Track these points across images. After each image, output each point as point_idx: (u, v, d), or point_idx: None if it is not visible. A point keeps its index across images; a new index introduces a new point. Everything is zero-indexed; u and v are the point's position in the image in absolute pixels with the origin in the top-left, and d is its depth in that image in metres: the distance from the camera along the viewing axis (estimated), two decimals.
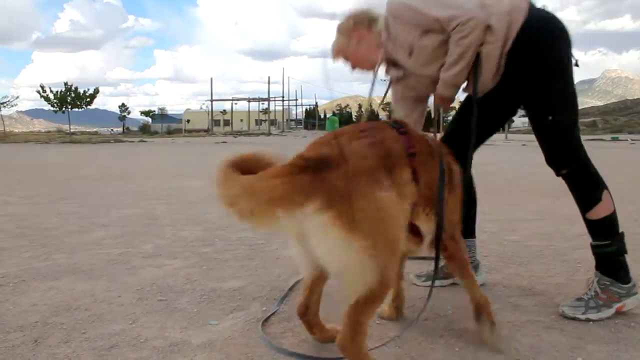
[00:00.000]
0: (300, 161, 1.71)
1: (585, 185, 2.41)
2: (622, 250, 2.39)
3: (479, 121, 2.38)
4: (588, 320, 2.31)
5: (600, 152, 19.96)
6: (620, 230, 2.41)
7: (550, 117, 2.34)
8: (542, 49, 2.32)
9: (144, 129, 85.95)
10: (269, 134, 53.45)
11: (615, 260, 2.38)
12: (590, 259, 3.34)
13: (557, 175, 2.45)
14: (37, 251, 3.61)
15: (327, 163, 1.68)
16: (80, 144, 28.04)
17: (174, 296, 2.68)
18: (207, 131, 62.37)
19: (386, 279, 1.71)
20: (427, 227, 2.03)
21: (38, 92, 52.96)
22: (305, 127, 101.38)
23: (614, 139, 36.22)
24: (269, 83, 69.53)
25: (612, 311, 2.34)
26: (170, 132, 70.09)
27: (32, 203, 5.96)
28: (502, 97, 2.52)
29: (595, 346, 2.07)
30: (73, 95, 53.88)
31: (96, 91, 56.72)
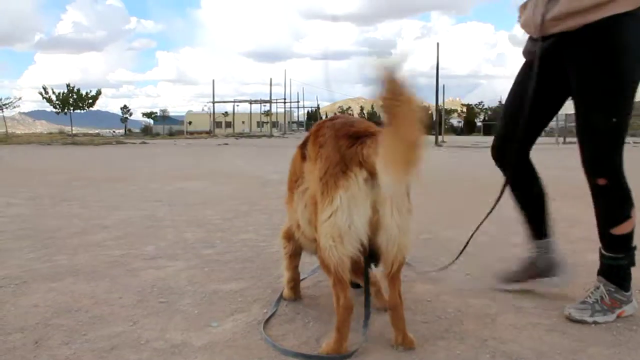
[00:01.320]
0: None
1: (620, 200, 2.37)
2: (633, 263, 2.42)
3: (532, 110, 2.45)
4: (595, 323, 2.32)
5: None
6: (634, 244, 2.42)
7: (614, 119, 2.25)
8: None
9: (146, 131, 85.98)
10: (271, 135, 53.48)
11: (625, 271, 2.41)
12: (590, 263, 3.34)
13: (592, 184, 2.39)
14: (39, 252, 3.61)
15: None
16: (82, 146, 28.08)
17: (175, 298, 2.68)
18: (209, 133, 62.39)
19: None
20: None
21: (40, 93, 53.15)
22: (307, 129, 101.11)
23: None
24: (270, 85, 69.55)
25: (614, 316, 2.36)
26: (171, 134, 70.13)
27: (34, 204, 5.97)
28: (557, 81, 2.46)
29: (597, 349, 2.07)
30: (75, 96, 54.03)
31: (98, 93, 56.89)
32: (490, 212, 2.73)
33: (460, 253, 2.85)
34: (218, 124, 75.48)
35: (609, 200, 2.38)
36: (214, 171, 10.87)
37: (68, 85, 54.49)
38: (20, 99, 58.27)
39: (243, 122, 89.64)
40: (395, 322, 2.06)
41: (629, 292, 2.41)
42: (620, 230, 2.37)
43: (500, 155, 2.70)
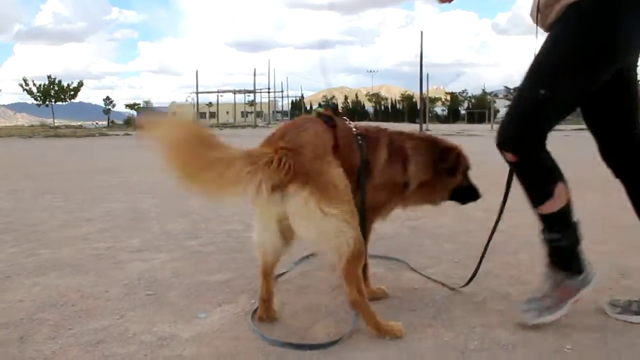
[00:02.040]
0: (277, 150, 2.00)
1: (536, 177, 2.18)
2: (576, 242, 2.19)
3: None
4: (542, 323, 2.13)
5: (588, 141, 20.12)
6: (574, 220, 2.21)
7: (542, 92, 2.04)
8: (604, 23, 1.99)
9: (129, 122, 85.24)
10: (255, 126, 53.29)
11: (569, 253, 2.20)
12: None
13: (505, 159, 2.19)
14: (22, 246, 3.56)
15: (293, 151, 2.00)
16: (65, 138, 27.74)
17: (161, 290, 2.66)
18: None
19: (360, 237, 2.05)
20: None
21: (21, 85, 52.35)
22: (292, 119, 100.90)
23: None
24: (254, 75, 69.18)
25: (566, 308, 2.16)
26: None
27: (16, 198, 5.89)
28: None
29: (582, 334, 2.09)
30: (57, 88, 53.32)
31: (80, 84, 56.17)
32: (501, 214, 2.57)
33: (480, 262, 2.64)
34: (202, 115, 75.03)
35: (524, 178, 2.20)
36: None
37: (49, 77, 53.75)
38: (0, 91, 57.30)
39: (227, 113, 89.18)
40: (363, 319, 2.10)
41: (583, 274, 2.19)
42: (546, 208, 2.16)
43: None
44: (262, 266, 2.25)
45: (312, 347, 1.99)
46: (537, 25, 2.24)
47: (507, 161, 2.18)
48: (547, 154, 2.16)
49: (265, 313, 2.25)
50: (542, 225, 2.21)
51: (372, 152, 2.34)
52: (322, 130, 2.19)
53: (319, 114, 2.30)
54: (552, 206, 2.15)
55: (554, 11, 2.12)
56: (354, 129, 2.34)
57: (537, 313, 2.14)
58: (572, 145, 15.79)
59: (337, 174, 2.04)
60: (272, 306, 2.28)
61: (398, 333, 2.07)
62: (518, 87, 2.19)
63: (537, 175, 2.18)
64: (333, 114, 2.32)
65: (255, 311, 2.31)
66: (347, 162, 2.17)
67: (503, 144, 2.15)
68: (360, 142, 2.30)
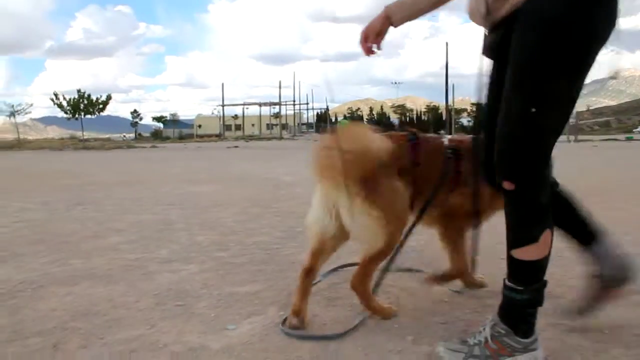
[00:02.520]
0: None
1: (527, 214, 1.91)
2: (536, 303, 1.94)
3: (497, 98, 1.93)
4: None
5: (616, 152, 19.80)
6: (544, 279, 1.96)
7: (533, 110, 1.78)
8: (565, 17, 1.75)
9: (156, 135, 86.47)
10: (281, 138, 53.55)
11: (522, 311, 1.93)
12: None
13: (498, 189, 1.98)
14: (54, 256, 3.63)
15: None
16: (94, 150, 28.26)
17: (191, 301, 2.68)
18: (219, 136, 62.62)
19: (391, 243, 2.33)
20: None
21: (51, 99, 53.57)
22: (317, 131, 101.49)
23: (628, 139, 35.92)
24: (280, 87, 69.69)
25: None
26: (182, 138, 70.48)
27: (49, 209, 6.00)
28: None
29: (619, 350, 2.04)
30: (86, 102, 54.43)
31: (108, 98, 57.26)
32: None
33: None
34: (228, 127, 75.76)
35: (515, 212, 1.93)
36: (225, 174, 10.89)
37: (79, 91, 54.90)
38: (31, 105, 58.77)
39: (253, 125, 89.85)
40: None
41: (528, 339, 1.91)
42: (523, 254, 1.90)
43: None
44: (309, 250, 2.45)
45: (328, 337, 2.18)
46: (486, 17, 1.94)
47: (503, 189, 1.92)
48: (548, 190, 1.93)
49: (296, 312, 2.32)
50: (509, 269, 1.96)
51: (469, 161, 2.48)
52: (398, 147, 2.37)
53: (407, 132, 2.54)
54: (531, 253, 1.89)
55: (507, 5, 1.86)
56: (446, 143, 2.52)
57: (463, 356, 1.94)
58: (600, 156, 15.53)
59: (391, 186, 2.30)
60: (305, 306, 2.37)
61: (388, 313, 2.41)
62: (504, 102, 1.89)
63: (529, 211, 1.90)
64: (418, 132, 2.55)
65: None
66: (432, 176, 2.43)
67: (502, 172, 1.91)
68: (449, 155, 2.47)
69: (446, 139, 2.57)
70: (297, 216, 5.14)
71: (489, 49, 2.03)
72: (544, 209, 1.90)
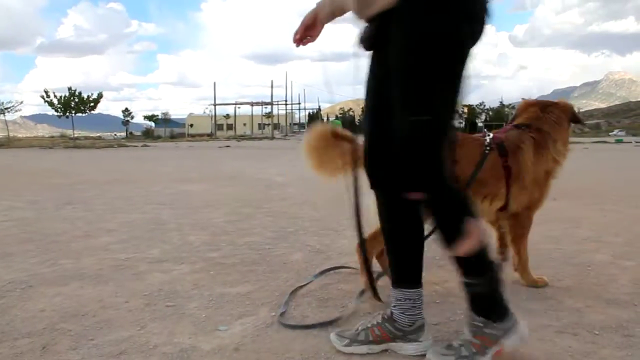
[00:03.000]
0: None
1: (446, 216, 1.92)
2: (495, 287, 1.93)
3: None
4: None
5: (606, 154, 19.93)
6: (491, 263, 1.95)
7: (422, 117, 1.78)
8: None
9: (147, 134, 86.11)
10: (272, 137, 53.50)
11: (489, 299, 1.93)
12: (599, 263, 3.34)
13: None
14: (44, 256, 3.60)
15: None
16: (84, 149, 28.10)
17: (182, 301, 2.66)
18: (210, 135, 62.48)
19: None
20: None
21: (42, 97, 53.21)
22: None
23: (618, 142, 36.19)
24: (272, 87, 69.67)
25: (487, 358, 1.91)
26: (173, 137, 70.27)
27: (38, 208, 5.96)
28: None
29: (609, 351, 2.05)
30: (77, 100, 54.11)
31: (100, 96, 56.94)
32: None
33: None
34: (219, 127, 75.60)
35: (434, 216, 1.94)
36: (217, 173, 10.86)
37: (69, 89, 54.56)
38: (21, 102, 58.31)
39: (244, 124, 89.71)
40: None
41: (506, 322, 1.92)
42: (460, 250, 1.89)
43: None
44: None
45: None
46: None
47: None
48: (453, 185, 1.94)
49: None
50: (458, 268, 1.94)
51: (513, 155, 2.71)
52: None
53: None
54: (466, 247, 1.86)
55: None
56: (487, 140, 2.72)
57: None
58: (590, 158, 15.64)
59: None
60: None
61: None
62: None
63: (445, 213, 1.92)
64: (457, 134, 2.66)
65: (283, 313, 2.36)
66: (470, 172, 2.61)
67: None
68: (486, 152, 2.67)
69: (489, 136, 2.76)
70: (288, 216, 5.14)
71: (366, 40, 1.96)
72: (457, 203, 1.92)
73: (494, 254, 1.98)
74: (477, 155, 2.69)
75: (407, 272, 2.05)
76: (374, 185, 2.08)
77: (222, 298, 2.72)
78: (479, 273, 1.91)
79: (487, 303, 1.93)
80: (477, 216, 1.92)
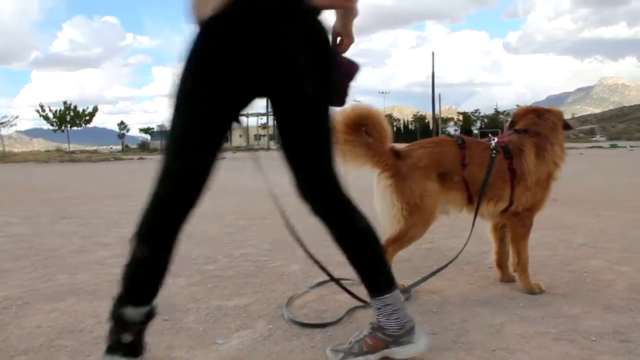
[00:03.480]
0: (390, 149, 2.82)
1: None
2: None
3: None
4: None
5: (600, 159, 20.02)
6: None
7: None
8: None
9: (143, 147, 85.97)
10: (269, 148, 53.48)
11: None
12: (595, 269, 3.35)
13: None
14: (40, 272, 3.58)
15: (400, 155, 2.80)
16: (80, 163, 28.05)
17: (179, 315, 2.66)
18: None
19: (409, 234, 2.78)
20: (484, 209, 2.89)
21: (37, 111, 53.11)
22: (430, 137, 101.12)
23: (612, 146, 36.34)
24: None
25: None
26: None
27: (33, 223, 5.94)
28: None
29: (606, 357, 2.05)
30: (72, 113, 54.02)
31: (95, 109, 56.86)
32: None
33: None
34: None
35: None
36: (212, 186, 10.82)
37: (65, 103, 54.51)
38: (17, 117, 58.29)
39: (240, 136, 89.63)
40: None
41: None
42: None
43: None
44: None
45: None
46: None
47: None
48: None
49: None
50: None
51: (517, 158, 2.84)
52: (439, 150, 2.85)
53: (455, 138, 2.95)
54: None
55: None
56: (492, 144, 2.88)
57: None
58: (585, 163, 15.68)
59: (421, 183, 2.74)
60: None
61: None
62: None
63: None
64: (465, 137, 2.93)
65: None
66: (479, 174, 2.79)
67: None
68: (493, 155, 2.82)
69: (494, 140, 2.94)
70: (284, 228, 5.13)
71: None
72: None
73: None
74: (485, 158, 2.83)
75: (374, 279, 2.05)
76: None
77: (219, 311, 2.71)
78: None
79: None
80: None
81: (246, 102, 1.92)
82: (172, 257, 1.97)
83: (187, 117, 1.81)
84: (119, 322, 1.92)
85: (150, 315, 1.96)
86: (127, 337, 1.91)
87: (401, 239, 2.80)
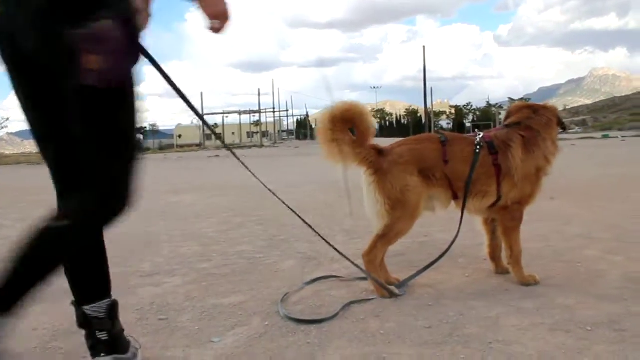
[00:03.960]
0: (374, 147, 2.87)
1: None
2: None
3: None
4: None
5: (593, 150, 20.08)
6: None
7: None
8: None
9: None
10: (262, 145, 53.44)
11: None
12: (589, 259, 3.36)
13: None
14: None
15: (383, 153, 2.86)
16: None
17: (174, 314, 2.65)
18: (199, 145, 62.27)
19: (395, 229, 2.81)
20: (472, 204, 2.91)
21: None
22: (298, 138, 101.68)
23: (604, 137, 36.49)
24: (259, 95, 69.65)
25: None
26: (162, 148, 70.01)
27: (27, 225, 5.89)
28: None
29: (602, 347, 2.06)
30: None
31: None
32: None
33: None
34: (208, 136, 75.46)
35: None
36: (206, 184, 10.82)
37: None
38: (8, 119, 57.98)
39: (233, 134, 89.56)
40: None
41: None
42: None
43: None
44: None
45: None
46: None
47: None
48: None
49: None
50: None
51: (502, 153, 2.84)
52: (420, 147, 2.90)
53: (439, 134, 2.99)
54: None
55: None
56: (477, 140, 2.86)
57: None
58: (578, 154, 15.76)
59: (402, 178, 2.78)
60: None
61: (382, 293, 2.75)
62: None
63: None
64: (448, 134, 2.98)
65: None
66: (461, 171, 2.81)
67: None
68: (477, 150, 2.81)
69: (479, 135, 2.92)
70: (279, 224, 5.13)
71: None
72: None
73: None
74: (468, 154, 2.84)
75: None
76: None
77: (215, 309, 2.71)
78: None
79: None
80: None
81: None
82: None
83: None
84: (86, 324, 1.98)
85: (112, 308, 2.02)
86: (103, 335, 1.96)
87: (387, 235, 2.83)
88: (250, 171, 2.39)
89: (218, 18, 1.85)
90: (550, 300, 2.63)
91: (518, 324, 2.34)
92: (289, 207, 2.57)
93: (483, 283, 2.97)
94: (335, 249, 2.78)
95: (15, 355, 2.21)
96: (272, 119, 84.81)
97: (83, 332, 2.06)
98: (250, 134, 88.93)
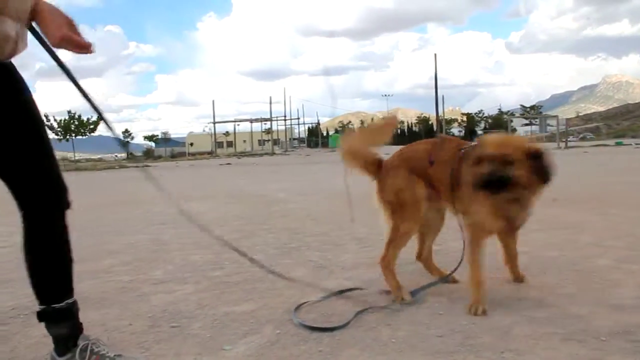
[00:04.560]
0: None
1: None
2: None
3: None
4: None
5: (606, 157, 19.93)
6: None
7: None
8: None
9: (148, 154, 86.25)
10: (273, 153, 53.55)
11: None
12: (602, 268, 3.33)
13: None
14: None
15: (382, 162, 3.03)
16: (86, 171, 28.12)
17: (186, 322, 2.66)
18: (211, 153, 62.56)
19: (399, 231, 2.87)
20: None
21: None
22: (309, 145, 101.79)
23: (618, 144, 36.23)
24: (270, 103, 69.89)
25: None
26: (174, 156, 70.30)
27: None
28: None
29: (616, 357, 2.04)
30: (77, 123, 54.35)
31: (99, 118, 57.16)
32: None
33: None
34: (219, 144, 75.82)
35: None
36: (218, 191, 10.86)
37: (69, 112, 54.82)
38: None
39: (244, 141, 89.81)
40: None
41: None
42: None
43: None
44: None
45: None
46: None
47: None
48: None
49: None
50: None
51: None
52: (413, 149, 3.02)
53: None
54: None
55: None
56: (464, 145, 2.85)
57: None
58: (590, 162, 15.62)
59: (394, 182, 2.89)
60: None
61: (405, 297, 2.80)
62: None
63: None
64: (442, 137, 3.09)
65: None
66: (444, 173, 2.80)
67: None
68: (461, 154, 2.77)
69: (475, 140, 2.88)
70: (291, 232, 5.13)
71: None
72: None
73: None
74: (452, 157, 2.82)
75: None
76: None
77: (227, 317, 2.71)
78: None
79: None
80: None
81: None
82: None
83: None
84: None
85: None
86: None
87: (395, 238, 2.90)
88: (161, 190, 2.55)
89: (63, 46, 2.02)
90: (564, 309, 2.61)
91: (531, 333, 2.32)
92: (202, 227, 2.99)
93: (495, 292, 2.94)
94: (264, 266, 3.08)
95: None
96: (283, 127, 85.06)
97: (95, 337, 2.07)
98: (261, 142, 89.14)
